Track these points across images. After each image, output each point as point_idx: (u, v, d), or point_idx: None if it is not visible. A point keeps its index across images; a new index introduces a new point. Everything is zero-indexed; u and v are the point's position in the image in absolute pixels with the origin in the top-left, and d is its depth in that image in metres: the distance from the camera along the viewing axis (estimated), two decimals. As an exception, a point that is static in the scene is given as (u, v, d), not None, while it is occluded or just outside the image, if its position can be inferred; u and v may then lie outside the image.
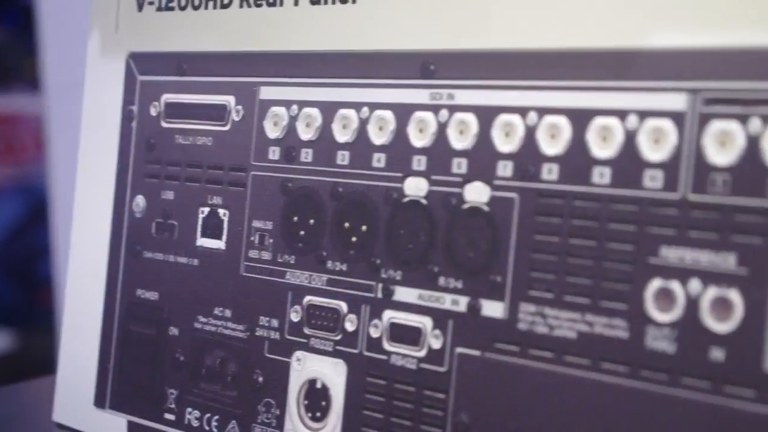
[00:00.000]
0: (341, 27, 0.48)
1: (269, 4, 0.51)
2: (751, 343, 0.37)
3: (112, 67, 0.57)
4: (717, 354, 0.37)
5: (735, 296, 0.37)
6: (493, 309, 0.43)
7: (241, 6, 0.52)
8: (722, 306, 0.37)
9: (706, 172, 0.38)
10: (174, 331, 0.54)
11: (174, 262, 0.54)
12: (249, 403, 0.51)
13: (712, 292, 0.37)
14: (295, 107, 0.50)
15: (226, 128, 0.52)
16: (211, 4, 0.53)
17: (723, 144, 0.38)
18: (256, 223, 0.51)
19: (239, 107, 0.52)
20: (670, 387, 0.38)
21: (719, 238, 0.38)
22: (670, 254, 0.39)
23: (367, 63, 0.47)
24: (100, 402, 0.57)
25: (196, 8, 0.54)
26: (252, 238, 0.51)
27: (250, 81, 0.51)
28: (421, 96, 0.46)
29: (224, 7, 0.53)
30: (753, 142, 0.37)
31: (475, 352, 0.43)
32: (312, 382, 0.48)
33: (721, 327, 0.37)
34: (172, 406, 0.54)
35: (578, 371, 0.41)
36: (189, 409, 0.53)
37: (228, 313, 0.52)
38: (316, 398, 0.48)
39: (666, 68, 0.39)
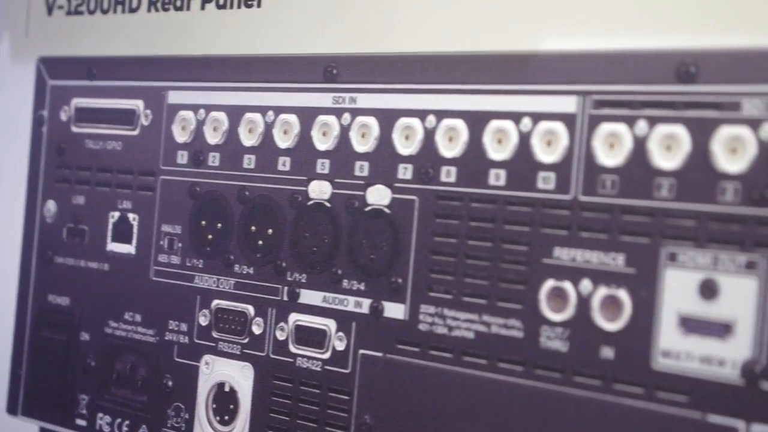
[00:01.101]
0: (247, 31, 0.49)
1: (176, 8, 0.51)
2: (640, 342, 0.37)
3: (22, 71, 0.57)
4: (607, 352, 0.38)
5: (624, 296, 0.38)
6: (394, 310, 0.43)
7: (149, 10, 0.52)
8: (612, 305, 0.38)
9: (596, 173, 0.39)
10: (85, 336, 0.54)
11: (85, 268, 0.54)
12: (159, 408, 0.51)
13: (602, 291, 0.38)
14: (202, 111, 0.50)
15: (136, 132, 0.52)
16: (119, 8, 0.53)
17: (612, 146, 0.38)
18: (166, 228, 0.51)
19: (148, 111, 0.52)
20: (563, 386, 0.39)
21: (609, 239, 0.38)
22: (563, 255, 0.39)
23: (272, 67, 0.47)
24: (12, 408, 0.57)
25: (105, 12, 0.54)
26: (161, 243, 0.51)
27: (158, 85, 0.51)
28: (324, 100, 0.46)
29: (132, 11, 0.53)
30: (640, 144, 0.38)
31: (378, 354, 0.44)
32: (220, 386, 0.49)
33: (611, 326, 0.38)
34: (84, 411, 0.54)
35: (476, 371, 0.41)
36: (100, 415, 0.53)
37: (138, 317, 0.51)
38: (224, 402, 0.48)
39: (558, 71, 0.40)
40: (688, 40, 0.37)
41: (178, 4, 0.51)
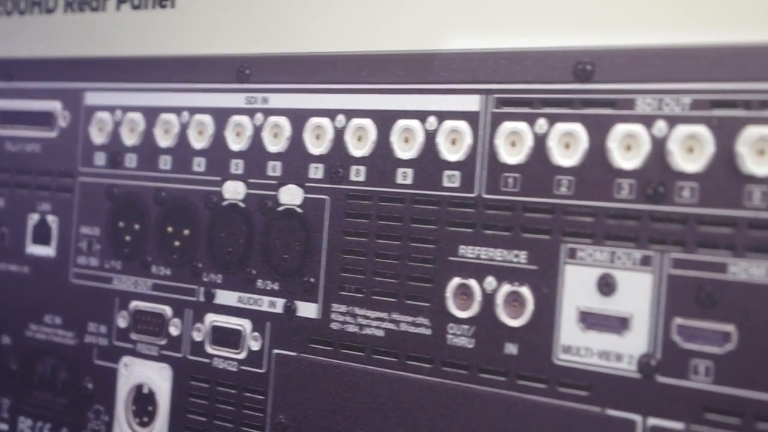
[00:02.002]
0: (161, 32, 0.48)
1: (92, 9, 0.51)
2: (542, 338, 0.38)
3: (-60, 73, 0.56)
4: (511, 348, 0.38)
5: (526, 292, 0.38)
6: (307, 310, 0.44)
7: (65, 11, 0.52)
8: (515, 302, 0.38)
9: (499, 171, 0.39)
10: (6, 339, 0.53)
11: (4, 270, 0.53)
12: (79, 411, 0.50)
13: (505, 288, 0.39)
14: (119, 112, 0.49)
15: (54, 134, 0.52)
16: (36, 9, 0.53)
17: (513, 144, 0.39)
18: (84, 230, 0.51)
19: (66, 113, 0.51)
20: (469, 382, 0.39)
21: (511, 236, 0.39)
22: (468, 253, 0.40)
23: (186, 67, 0.47)
24: (-66, 414, 0.56)
25: (21, 13, 0.54)
26: (80, 245, 0.51)
27: (75, 86, 0.51)
28: (237, 100, 0.46)
29: (49, 12, 0.53)
30: (540, 142, 0.38)
31: (291, 353, 0.44)
32: (139, 388, 0.48)
33: (514, 322, 0.38)
34: (5, 415, 0.53)
35: (386, 369, 0.41)
36: (21, 418, 0.53)
37: (58, 320, 0.51)
38: (143, 403, 0.48)
39: (461, 70, 0.40)
40: (586, 39, 0.37)
41: (94, 4, 0.50)
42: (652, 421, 0.35)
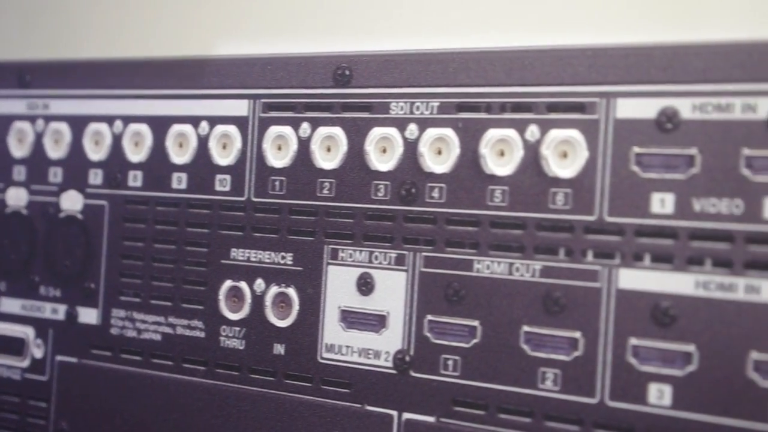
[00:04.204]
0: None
1: None
2: (307, 337, 0.38)
3: None
4: (279, 349, 0.39)
5: (293, 293, 0.39)
6: (88, 316, 0.43)
7: None
8: (283, 303, 0.39)
9: (267, 175, 0.39)
10: None
11: None
12: None
13: (273, 290, 0.39)
14: None
15: None
16: None
17: (279, 148, 0.39)
18: None
19: None
20: (240, 383, 0.40)
21: (279, 239, 0.39)
22: (239, 255, 0.40)
23: (-31, 73, 0.47)
24: None
25: None
26: None
27: None
28: (19, 106, 0.45)
29: None
30: (304, 146, 0.39)
31: (73, 359, 0.44)
32: (-75, 399, 0.47)
33: (282, 323, 0.39)
34: None
35: (163, 372, 0.41)
36: None
37: None
38: (-72, 415, 0.47)
39: (230, 76, 0.41)
40: (345, 45, 0.38)
41: None
42: (407, 415, 0.36)
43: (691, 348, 0.32)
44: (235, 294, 0.40)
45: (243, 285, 0.40)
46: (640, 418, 0.33)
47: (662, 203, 0.32)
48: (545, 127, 0.34)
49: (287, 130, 0.39)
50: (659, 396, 0.32)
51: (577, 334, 0.34)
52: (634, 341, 0.33)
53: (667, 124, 0.32)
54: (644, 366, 0.33)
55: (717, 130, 0.32)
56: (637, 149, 0.33)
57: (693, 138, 0.32)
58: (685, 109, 0.32)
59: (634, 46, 0.33)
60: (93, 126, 0.43)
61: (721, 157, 0.32)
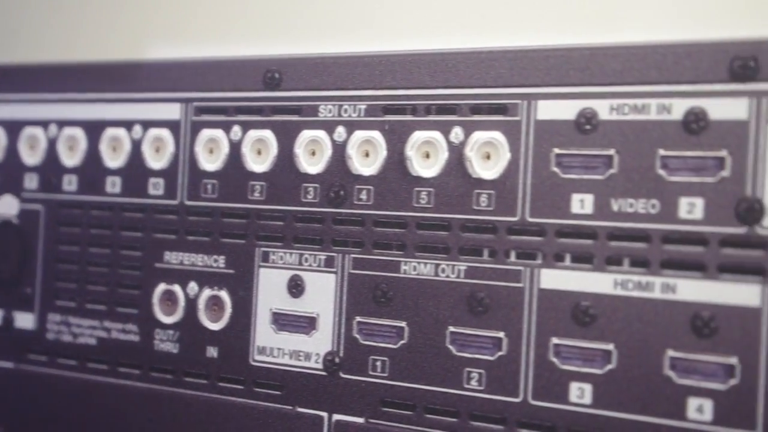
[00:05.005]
0: None
1: None
2: (240, 340, 0.39)
3: None
4: (212, 352, 0.39)
5: (225, 296, 0.39)
6: (24, 320, 0.43)
7: None
8: (215, 306, 0.39)
9: (199, 178, 0.40)
10: None
11: None
12: None
13: (206, 293, 0.39)
14: None
15: None
16: None
17: (211, 151, 0.39)
18: None
19: None
20: (174, 387, 0.40)
21: (211, 241, 0.39)
22: (172, 258, 0.40)
23: None
24: None
25: None
26: None
27: None
28: (-46, 111, 0.45)
29: None
30: (235, 149, 0.39)
31: (9, 365, 0.43)
32: None
33: (215, 326, 0.39)
34: None
35: (99, 377, 0.41)
36: None
37: None
38: None
39: (163, 79, 0.41)
40: (275, 48, 0.38)
41: None
42: (337, 416, 0.37)
43: (610, 347, 0.32)
44: (169, 297, 0.40)
45: (176, 288, 0.40)
46: (561, 416, 0.33)
47: (582, 204, 0.33)
48: (469, 129, 0.35)
49: (219, 133, 0.39)
50: (580, 394, 0.33)
51: (501, 334, 0.34)
52: (555, 340, 0.33)
53: (586, 125, 0.33)
54: (565, 365, 0.33)
55: (634, 131, 0.32)
56: (557, 150, 0.33)
57: (611, 139, 0.32)
58: (603, 110, 0.33)
59: (553, 47, 0.33)
60: (28, 130, 0.43)
61: (638, 157, 0.32)
